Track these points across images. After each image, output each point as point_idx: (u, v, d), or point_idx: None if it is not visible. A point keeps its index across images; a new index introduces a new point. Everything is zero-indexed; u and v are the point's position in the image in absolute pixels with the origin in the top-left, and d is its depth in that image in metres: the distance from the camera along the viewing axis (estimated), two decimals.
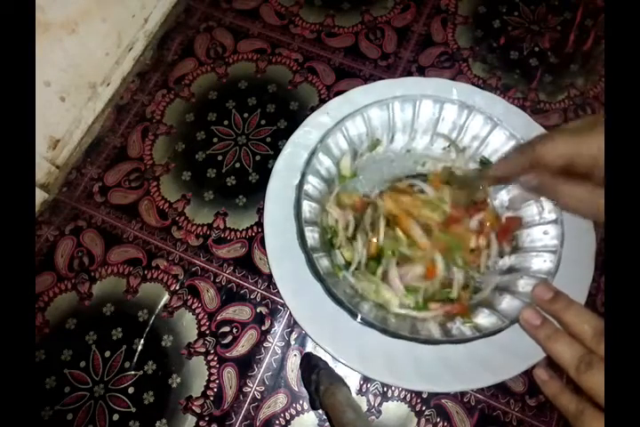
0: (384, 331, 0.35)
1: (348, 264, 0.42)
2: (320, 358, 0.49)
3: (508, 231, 0.41)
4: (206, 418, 0.49)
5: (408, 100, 0.42)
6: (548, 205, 0.38)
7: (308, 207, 0.39)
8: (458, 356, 0.37)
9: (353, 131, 0.42)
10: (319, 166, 0.41)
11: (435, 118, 0.43)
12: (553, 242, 0.37)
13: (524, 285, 0.36)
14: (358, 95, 0.45)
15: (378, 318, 0.36)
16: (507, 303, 0.36)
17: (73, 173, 0.59)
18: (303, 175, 0.39)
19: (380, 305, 0.39)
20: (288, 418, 0.50)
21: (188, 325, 0.53)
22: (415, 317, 0.39)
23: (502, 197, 0.43)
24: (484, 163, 0.43)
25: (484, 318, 0.36)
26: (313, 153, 0.40)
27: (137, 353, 0.51)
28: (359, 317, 0.35)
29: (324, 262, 0.38)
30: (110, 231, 0.56)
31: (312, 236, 0.39)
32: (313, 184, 0.40)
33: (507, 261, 0.40)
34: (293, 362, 0.51)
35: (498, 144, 0.41)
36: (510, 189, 0.42)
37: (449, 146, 0.45)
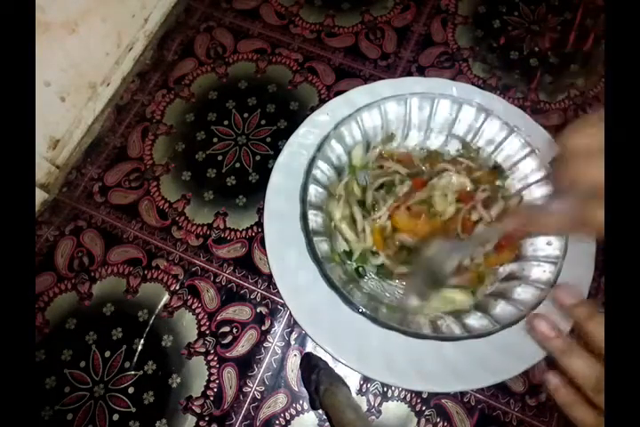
0: (374, 320, 0.35)
1: (346, 242, 0.42)
2: (320, 358, 0.49)
3: (513, 239, 0.40)
4: (206, 418, 0.49)
5: (426, 98, 0.42)
6: None
7: (314, 191, 0.39)
8: (458, 356, 0.37)
9: (368, 122, 0.42)
10: (330, 153, 0.41)
11: (451, 119, 0.42)
12: (555, 253, 0.37)
13: (521, 292, 0.36)
14: (358, 95, 0.45)
15: (369, 306, 0.36)
16: (500, 308, 0.36)
17: (73, 173, 0.59)
18: (313, 159, 0.39)
19: (373, 296, 0.39)
20: (288, 418, 0.50)
21: (188, 325, 0.53)
22: (406, 309, 0.39)
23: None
24: (496, 167, 0.43)
25: (475, 320, 0.36)
26: (325, 139, 0.40)
27: (137, 353, 0.51)
28: (352, 302, 0.35)
29: (323, 246, 0.38)
30: (110, 231, 0.56)
31: (315, 219, 0.38)
32: (322, 169, 0.40)
33: (507, 268, 0.40)
34: (293, 362, 0.51)
35: (512, 151, 0.41)
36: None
37: (463, 148, 0.44)
